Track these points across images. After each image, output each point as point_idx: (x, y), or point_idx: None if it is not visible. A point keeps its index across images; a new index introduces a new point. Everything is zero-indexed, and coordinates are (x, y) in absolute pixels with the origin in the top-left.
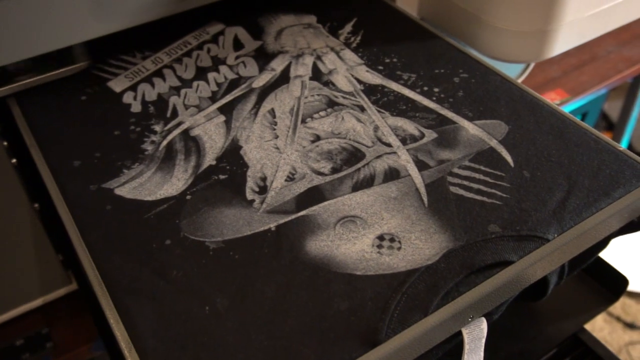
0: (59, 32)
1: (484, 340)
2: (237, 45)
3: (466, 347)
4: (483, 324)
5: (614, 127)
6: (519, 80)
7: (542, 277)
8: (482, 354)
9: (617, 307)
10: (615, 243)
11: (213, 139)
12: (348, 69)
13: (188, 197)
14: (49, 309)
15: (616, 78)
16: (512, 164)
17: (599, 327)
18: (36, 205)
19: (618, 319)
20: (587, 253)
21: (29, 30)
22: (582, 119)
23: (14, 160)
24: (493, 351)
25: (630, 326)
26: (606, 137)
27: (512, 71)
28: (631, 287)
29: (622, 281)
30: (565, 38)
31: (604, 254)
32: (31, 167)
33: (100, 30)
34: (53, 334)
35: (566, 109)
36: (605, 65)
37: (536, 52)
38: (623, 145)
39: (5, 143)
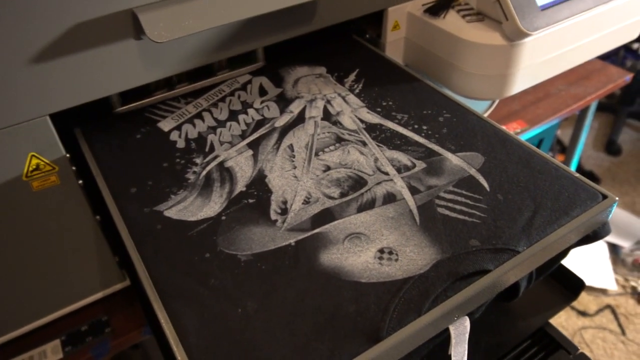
0: (114, 80)
1: (467, 335)
2: (262, 92)
3: (453, 340)
4: (466, 322)
5: (566, 150)
6: (486, 114)
7: (515, 282)
8: (466, 345)
9: None
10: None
11: (243, 169)
12: (352, 111)
13: (223, 217)
14: (108, 301)
15: (566, 111)
16: (488, 188)
17: (557, 315)
18: (98, 217)
19: (572, 308)
20: (551, 261)
21: (92, 77)
22: (539, 145)
23: (80, 182)
24: (475, 343)
25: (582, 314)
26: (564, 165)
27: (480, 106)
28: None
29: (579, 283)
30: (522, 80)
31: (565, 261)
32: (94, 187)
33: (148, 77)
34: (111, 321)
35: (525, 136)
36: (557, 101)
37: (499, 91)
38: (573, 165)
39: (74, 168)
